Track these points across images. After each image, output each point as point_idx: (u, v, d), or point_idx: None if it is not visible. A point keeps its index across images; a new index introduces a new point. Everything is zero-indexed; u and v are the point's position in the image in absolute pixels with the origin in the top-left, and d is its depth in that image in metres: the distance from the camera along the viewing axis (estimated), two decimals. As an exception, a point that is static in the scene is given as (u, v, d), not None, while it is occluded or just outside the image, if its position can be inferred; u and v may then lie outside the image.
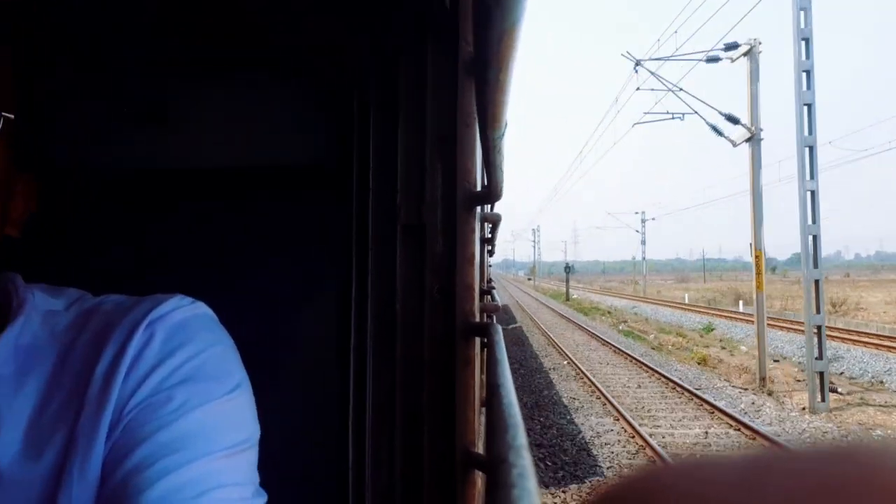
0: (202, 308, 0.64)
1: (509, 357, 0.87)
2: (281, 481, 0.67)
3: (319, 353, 1.13)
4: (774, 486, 0.09)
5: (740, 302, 30.16)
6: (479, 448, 0.88)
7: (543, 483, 6.54)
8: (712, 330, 20.72)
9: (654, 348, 17.23)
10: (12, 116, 0.54)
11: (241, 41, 1.13)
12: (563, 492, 6.53)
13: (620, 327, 22.58)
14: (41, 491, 0.52)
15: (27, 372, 0.57)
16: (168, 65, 1.17)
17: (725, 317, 24.62)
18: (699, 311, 28.38)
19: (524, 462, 0.27)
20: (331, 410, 1.10)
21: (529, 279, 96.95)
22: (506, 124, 0.58)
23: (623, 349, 15.98)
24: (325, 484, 1.08)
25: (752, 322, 12.67)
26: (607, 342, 17.67)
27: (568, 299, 40.81)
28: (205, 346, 0.60)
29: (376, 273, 0.96)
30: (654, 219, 49.19)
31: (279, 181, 1.17)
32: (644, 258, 49.22)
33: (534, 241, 79.52)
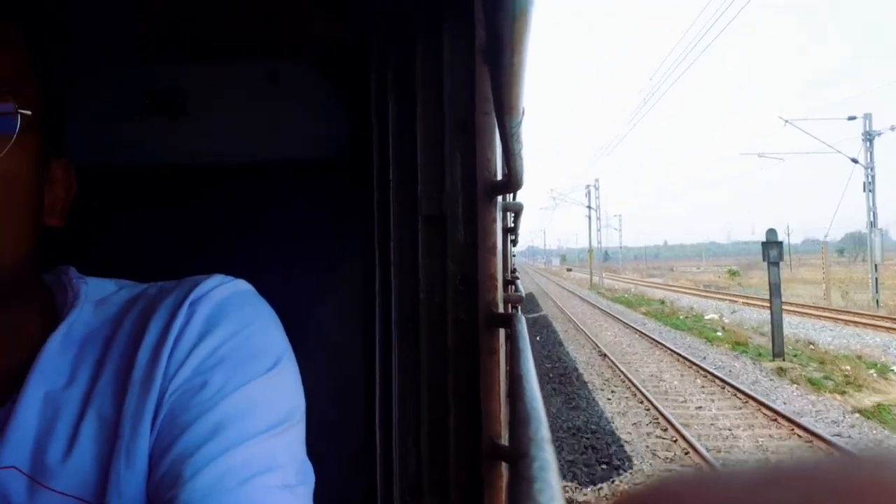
0: (242, 285, 0.64)
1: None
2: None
3: (344, 345, 1.14)
4: (786, 496, 0.09)
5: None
6: (505, 439, 0.88)
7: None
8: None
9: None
10: (29, 113, 0.54)
11: (255, 32, 1.14)
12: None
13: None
14: (96, 475, 0.54)
15: (82, 360, 0.59)
16: (184, 58, 1.18)
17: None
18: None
19: (546, 455, 0.26)
20: (357, 400, 1.10)
21: (570, 270, 76.73)
22: (523, 111, 0.57)
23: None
24: (353, 474, 1.09)
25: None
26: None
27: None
28: (244, 324, 0.60)
29: (399, 264, 0.95)
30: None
31: (300, 174, 1.18)
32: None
33: (590, 207, 47.11)
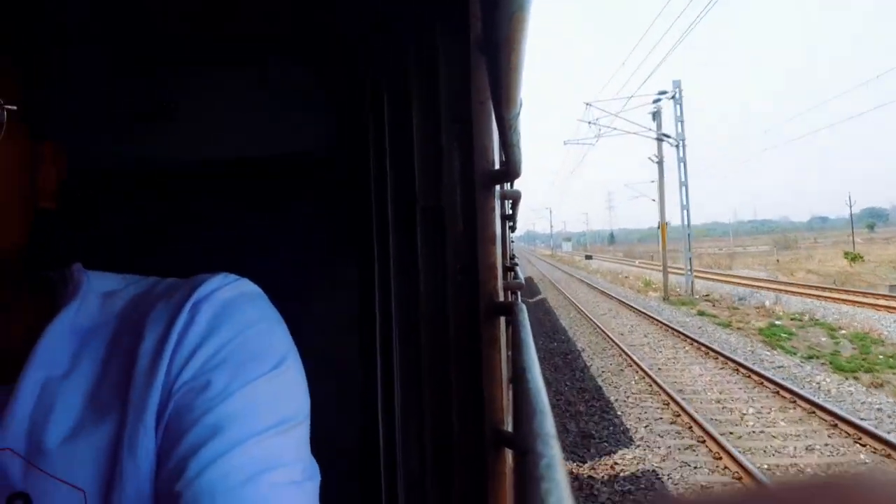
0: (247, 285, 0.64)
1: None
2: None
3: (344, 338, 1.14)
4: None
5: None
6: (508, 426, 0.89)
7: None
8: None
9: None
10: (14, 108, 0.54)
11: (251, 31, 1.13)
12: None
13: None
14: (94, 469, 0.54)
15: (84, 351, 0.59)
16: (180, 57, 1.18)
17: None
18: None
19: (553, 452, 0.26)
20: (358, 392, 1.11)
21: (589, 258, 59.81)
22: (521, 103, 0.57)
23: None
24: (357, 465, 1.10)
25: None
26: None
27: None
28: (248, 325, 0.60)
29: (398, 256, 0.96)
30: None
31: (297, 170, 1.18)
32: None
33: (663, 137, 19.89)
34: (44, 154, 0.62)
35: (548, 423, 0.31)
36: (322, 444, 0.65)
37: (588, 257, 58.71)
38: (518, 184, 1.77)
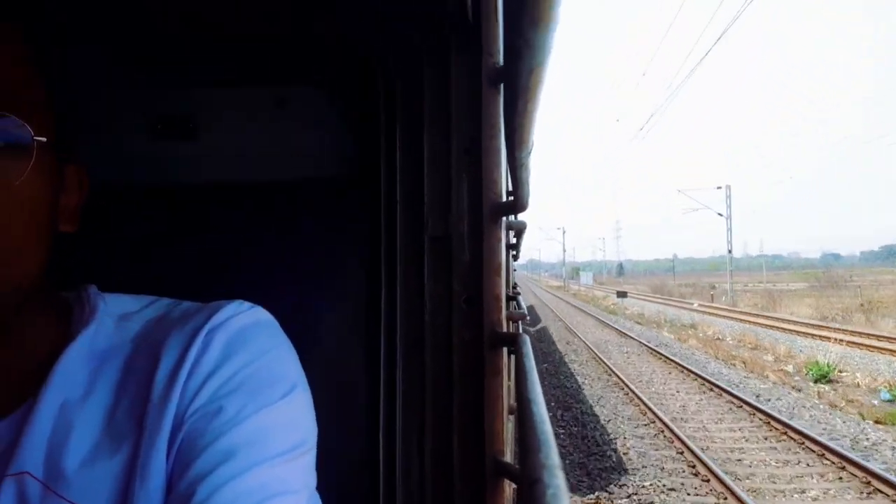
0: (261, 314, 0.65)
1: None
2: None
3: (349, 363, 1.15)
4: None
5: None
6: (508, 457, 0.89)
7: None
8: None
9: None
10: (44, 140, 0.54)
11: (264, 58, 1.16)
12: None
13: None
14: (109, 491, 0.54)
15: (100, 375, 0.60)
16: (195, 83, 1.21)
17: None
18: None
19: (558, 482, 0.27)
20: (361, 419, 1.12)
21: (623, 295, 38.65)
22: (532, 143, 0.59)
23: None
24: (355, 491, 1.10)
25: None
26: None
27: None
28: (260, 353, 0.61)
29: (404, 284, 0.97)
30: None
31: (308, 194, 1.20)
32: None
33: None
34: (67, 178, 0.62)
35: (553, 454, 0.32)
36: (323, 468, 0.66)
37: (622, 295, 39.54)
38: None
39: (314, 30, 1.07)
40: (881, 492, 6.63)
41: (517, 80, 0.32)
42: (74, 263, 0.79)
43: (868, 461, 7.49)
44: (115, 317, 0.64)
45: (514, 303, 2.06)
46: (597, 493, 6.37)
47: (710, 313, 28.42)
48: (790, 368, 14.52)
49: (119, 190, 1.12)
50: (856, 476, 7.12)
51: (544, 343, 19.92)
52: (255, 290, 0.72)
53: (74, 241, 0.63)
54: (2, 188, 0.52)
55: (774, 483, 7.24)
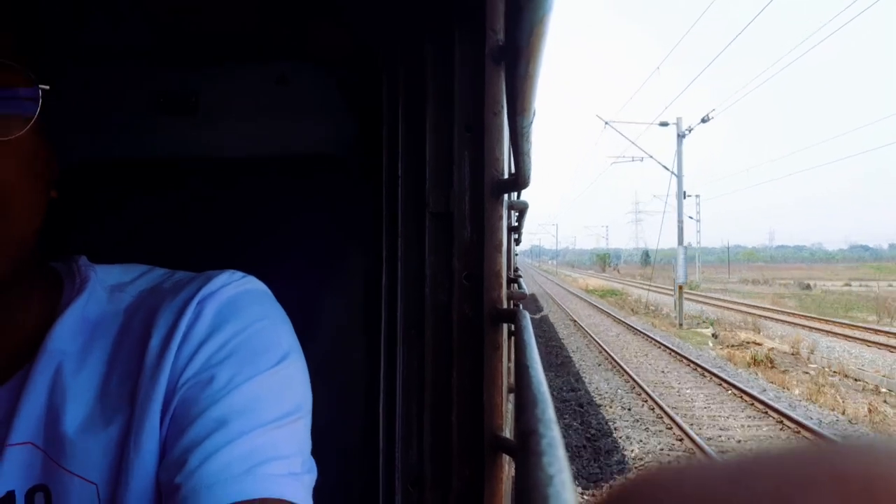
0: (252, 283, 0.66)
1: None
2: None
3: (349, 339, 1.16)
4: (768, 483, 0.10)
5: None
6: (507, 433, 0.90)
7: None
8: None
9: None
10: (48, 87, 0.55)
11: (266, 36, 1.15)
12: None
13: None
14: (105, 460, 0.55)
15: (93, 345, 0.60)
16: (195, 55, 1.20)
17: None
18: None
19: (553, 433, 0.28)
20: (360, 394, 1.12)
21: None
22: (534, 112, 0.59)
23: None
24: (356, 467, 1.11)
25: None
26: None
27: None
28: (252, 321, 0.61)
29: (406, 260, 0.97)
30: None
31: (310, 170, 1.20)
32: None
33: None
34: (48, 147, 0.63)
35: (549, 410, 0.33)
36: (323, 441, 0.66)
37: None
38: (525, 194, 1.80)
39: (315, 6, 1.06)
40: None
41: (518, 38, 0.32)
42: (73, 238, 0.79)
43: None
44: (107, 287, 0.64)
45: (516, 285, 2.07)
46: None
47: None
48: None
49: (120, 165, 1.13)
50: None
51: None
52: (254, 264, 0.72)
53: (72, 215, 0.64)
54: (7, 144, 0.52)
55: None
